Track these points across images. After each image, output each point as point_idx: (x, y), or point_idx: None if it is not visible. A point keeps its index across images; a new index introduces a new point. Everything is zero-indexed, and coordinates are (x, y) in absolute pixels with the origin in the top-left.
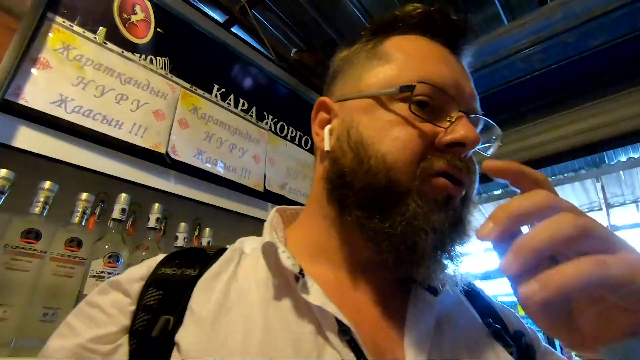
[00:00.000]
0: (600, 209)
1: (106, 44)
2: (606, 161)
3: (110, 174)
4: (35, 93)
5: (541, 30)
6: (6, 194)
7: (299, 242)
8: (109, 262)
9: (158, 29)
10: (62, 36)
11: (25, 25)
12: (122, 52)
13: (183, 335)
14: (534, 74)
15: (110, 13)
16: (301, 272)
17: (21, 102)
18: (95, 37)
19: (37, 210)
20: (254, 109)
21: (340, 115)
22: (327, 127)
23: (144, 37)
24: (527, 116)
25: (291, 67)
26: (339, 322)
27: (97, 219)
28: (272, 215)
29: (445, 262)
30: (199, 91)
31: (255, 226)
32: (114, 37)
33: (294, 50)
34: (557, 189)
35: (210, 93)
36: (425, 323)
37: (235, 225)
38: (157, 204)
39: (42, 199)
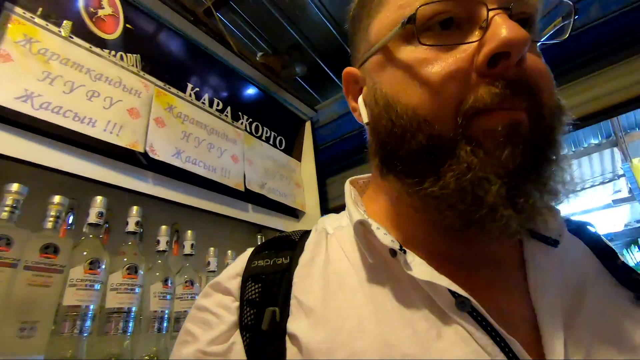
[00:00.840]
0: None
1: (72, 38)
2: None
3: (84, 176)
4: None
5: None
6: None
7: (378, 216)
8: (90, 269)
9: (127, 25)
10: (22, 28)
11: None
12: (90, 47)
13: (297, 327)
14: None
15: (75, 6)
16: (401, 248)
17: None
18: (60, 31)
19: (5, 215)
20: (228, 108)
21: (366, 81)
22: (360, 98)
23: (113, 33)
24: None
25: (261, 69)
26: (453, 294)
27: (68, 227)
28: (348, 188)
29: (537, 204)
30: (173, 90)
31: (235, 227)
32: (81, 31)
33: (259, 54)
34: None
35: (185, 92)
36: (551, 278)
37: (213, 228)
38: (135, 207)
39: (10, 203)
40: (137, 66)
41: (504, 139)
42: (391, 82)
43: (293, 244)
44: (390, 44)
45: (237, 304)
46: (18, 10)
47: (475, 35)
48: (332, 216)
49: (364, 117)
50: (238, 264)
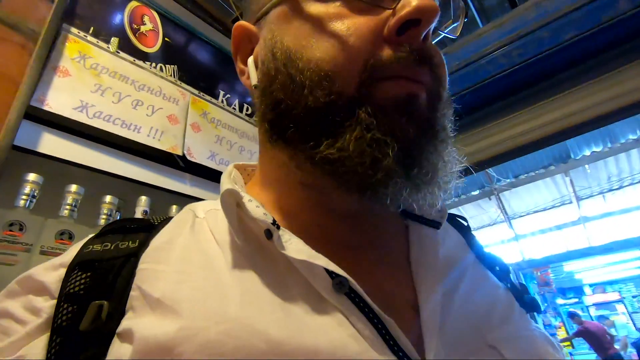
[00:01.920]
0: (571, 202)
1: (119, 53)
2: (572, 156)
3: (130, 178)
4: (58, 99)
5: (517, 29)
6: (37, 198)
7: (262, 198)
8: None
9: (166, 38)
10: (77, 46)
11: (45, 36)
12: (134, 60)
13: (134, 323)
14: (515, 67)
15: (122, 24)
16: (274, 223)
17: (45, 108)
18: (108, 47)
19: (66, 212)
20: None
21: (261, 38)
22: (251, 58)
23: (153, 46)
24: (511, 106)
25: None
26: (331, 275)
27: None
28: (229, 169)
29: (425, 178)
30: (207, 97)
31: None
32: (126, 46)
33: None
34: (530, 186)
35: (217, 98)
36: (432, 260)
37: None
38: (174, 205)
39: (70, 202)
40: (174, 76)
41: (404, 106)
42: (295, 35)
43: (149, 227)
44: None
45: (52, 302)
46: (73, 30)
47: (389, 3)
48: (205, 202)
49: (253, 79)
50: (69, 251)
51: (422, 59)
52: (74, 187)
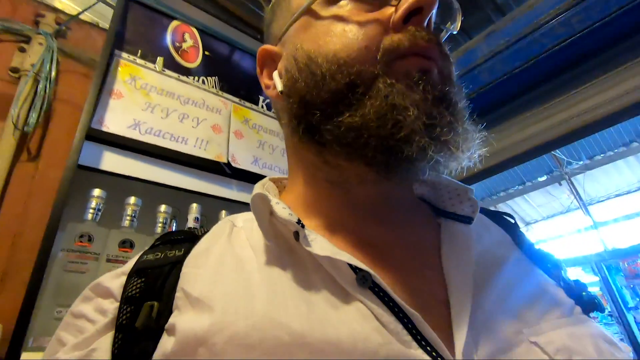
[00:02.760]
0: None
1: (164, 71)
2: None
3: (183, 188)
4: (114, 120)
5: None
6: (101, 211)
7: (293, 203)
8: None
9: (206, 52)
10: (128, 69)
11: (100, 63)
12: (179, 76)
13: (178, 320)
14: (576, 36)
15: (165, 44)
16: (299, 222)
17: (104, 129)
18: (155, 67)
19: (127, 223)
20: None
21: (284, 52)
22: (276, 72)
23: (195, 61)
24: (576, 79)
25: None
26: (354, 270)
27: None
28: (264, 181)
29: (448, 136)
30: (247, 104)
31: None
32: (170, 64)
33: None
34: (609, 167)
35: (257, 105)
36: (465, 256)
37: None
38: (224, 210)
39: (130, 213)
40: (216, 87)
41: (419, 78)
42: (313, 39)
43: (193, 237)
44: (315, 7)
45: (116, 304)
46: (124, 55)
47: (392, 0)
48: (246, 213)
49: (279, 86)
50: (130, 262)
51: (429, 38)
52: (132, 199)
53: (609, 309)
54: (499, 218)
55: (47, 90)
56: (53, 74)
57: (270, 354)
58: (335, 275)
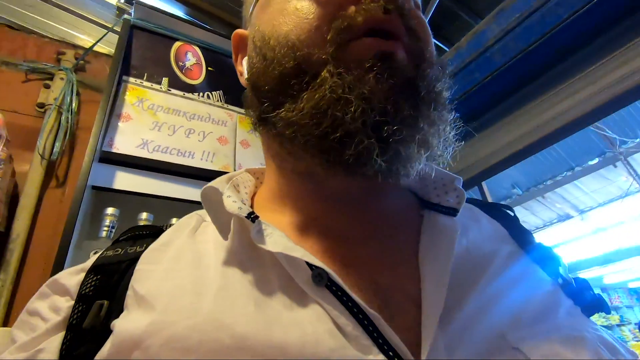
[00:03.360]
0: None
1: (170, 90)
2: None
3: (193, 200)
4: (123, 141)
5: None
6: (115, 228)
7: (262, 196)
8: None
9: (209, 68)
10: (135, 92)
11: (106, 90)
12: (184, 94)
13: (120, 322)
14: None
15: (169, 65)
16: (250, 216)
17: (114, 150)
18: (161, 87)
19: None
20: None
21: (249, 35)
22: (245, 58)
23: (199, 78)
24: (606, 46)
25: None
26: (311, 267)
27: None
28: (235, 172)
29: (400, 138)
30: None
31: None
32: (175, 83)
33: None
34: None
35: None
36: (445, 250)
37: None
38: None
39: None
40: (221, 100)
41: (373, 66)
42: (268, 19)
43: (159, 232)
44: None
45: (71, 302)
46: (131, 79)
47: None
48: None
49: (244, 78)
50: (91, 258)
51: (388, 9)
52: (144, 215)
53: None
54: (496, 211)
55: (70, 121)
56: (74, 105)
57: (208, 357)
58: (291, 273)
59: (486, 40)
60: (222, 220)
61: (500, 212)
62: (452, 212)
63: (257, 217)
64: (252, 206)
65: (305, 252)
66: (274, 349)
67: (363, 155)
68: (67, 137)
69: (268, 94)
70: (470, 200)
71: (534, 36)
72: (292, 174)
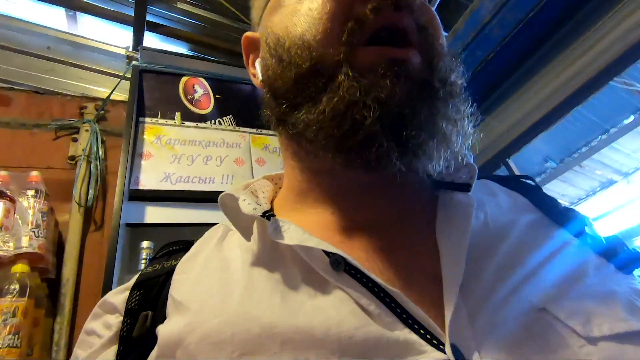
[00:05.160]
0: None
1: (184, 123)
2: None
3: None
4: (148, 178)
5: None
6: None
7: (282, 198)
8: None
9: (217, 96)
10: (153, 130)
11: (125, 133)
12: (197, 125)
13: (163, 326)
14: None
15: (179, 99)
16: (266, 214)
17: (141, 187)
18: (175, 122)
19: None
20: None
21: (262, 37)
22: (258, 60)
23: (208, 107)
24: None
25: None
26: (328, 255)
27: None
28: (253, 180)
29: (419, 140)
30: (264, 131)
31: None
32: (188, 116)
33: None
34: None
35: None
36: (461, 226)
37: None
38: None
39: None
40: (232, 124)
41: (388, 71)
42: (281, 21)
43: (189, 245)
44: None
45: (120, 318)
46: (147, 119)
47: None
48: None
49: (259, 75)
50: (134, 278)
51: (401, 4)
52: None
53: None
54: (515, 182)
55: (99, 168)
56: (101, 152)
57: (241, 348)
58: (311, 262)
59: (483, 17)
60: (242, 224)
61: (519, 183)
62: (466, 187)
63: (272, 215)
64: (271, 209)
65: (319, 241)
66: (301, 334)
67: (383, 158)
68: (99, 182)
69: (286, 95)
70: (487, 177)
71: (531, 3)
72: (311, 171)
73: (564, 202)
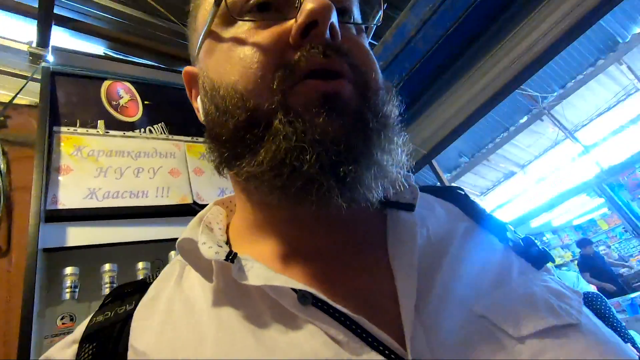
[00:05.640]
0: (638, 89)
1: (108, 132)
2: (619, 40)
3: (156, 239)
4: (68, 196)
5: None
6: (78, 287)
7: (238, 225)
8: None
9: (145, 102)
10: (71, 141)
11: (38, 144)
12: (124, 133)
13: None
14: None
15: (102, 106)
16: (229, 257)
17: (60, 207)
18: (97, 131)
19: (107, 291)
20: None
21: (199, 75)
22: (199, 97)
23: (136, 114)
24: (515, 18)
25: None
26: (295, 291)
27: None
28: (205, 210)
29: (358, 174)
30: (200, 139)
31: None
32: (112, 124)
33: None
34: (582, 90)
35: None
36: (408, 244)
37: None
38: None
39: (107, 280)
40: (164, 132)
41: (321, 108)
42: (215, 66)
43: (144, 287)
44: (215, 28)
45: None
46: (63, 129)
47: (291, 13)
48: None
49: (200, 116)
50: (80, 327)
51: (329, 52)
52: (107, 266)
53: (623, 226)
54: (448, 193)
55: (2, 183)
56: (2, 166)
57: None
58: (279, 299)
59: (408, 32)
60: (203, 265)
61: (451, 194)
62: (410, 207)
63: (235, 256)
64: (228, 239)
65: (286, 279)
66: None
67: (325, 196)
68: (2, 200)
69: (227, 144)
70: (422, 189)
71: (449, 21)
72: (261, 205)
73: (475, 192)
